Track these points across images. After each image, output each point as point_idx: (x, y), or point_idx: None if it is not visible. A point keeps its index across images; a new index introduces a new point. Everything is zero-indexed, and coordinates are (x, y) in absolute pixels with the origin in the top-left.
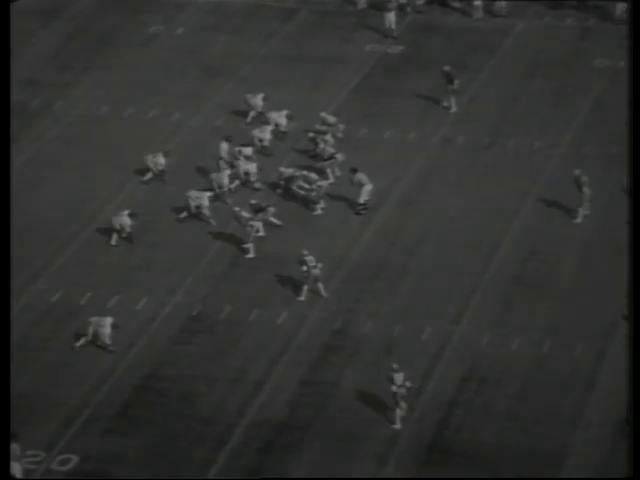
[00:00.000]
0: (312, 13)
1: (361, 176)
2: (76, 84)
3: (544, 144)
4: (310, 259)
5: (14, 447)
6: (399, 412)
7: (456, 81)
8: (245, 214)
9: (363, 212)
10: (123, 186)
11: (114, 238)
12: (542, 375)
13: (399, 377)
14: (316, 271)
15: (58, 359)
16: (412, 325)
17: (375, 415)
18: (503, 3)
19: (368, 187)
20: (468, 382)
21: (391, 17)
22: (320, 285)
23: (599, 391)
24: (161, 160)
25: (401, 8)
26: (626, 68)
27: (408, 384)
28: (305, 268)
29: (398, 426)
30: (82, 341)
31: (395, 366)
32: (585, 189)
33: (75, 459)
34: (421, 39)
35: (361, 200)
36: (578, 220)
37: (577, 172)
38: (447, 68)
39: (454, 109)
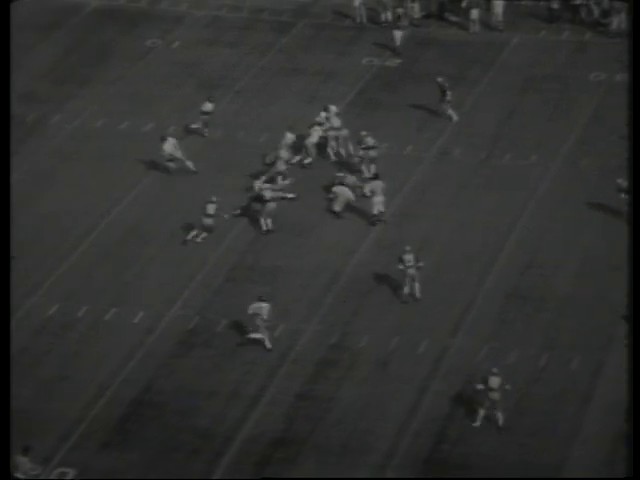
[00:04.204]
0: (308, 27)
1: (376, 185)
2: (73, 98)
3: (540, 157)
4: (408, 258)
5: (24, 460)
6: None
7: (449, 92)
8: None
9: (378, 222)
10: (120, 200)
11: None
12: (539, 389)
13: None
14: (412, 271)
15: (55, 373)
16: (409, 339)
17: (372, 428)
18: (500, 17)
19: (378, 198)
20: (464, 396)
21: (399, 35)
22: (417, 286)
23: (596, 405)
24: (208, 106)
25: (398, 21)
26: (626, 66)
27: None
28: (401, 267)
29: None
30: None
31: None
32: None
33: (72, 473)
34: (418, 52)
35: (374, 211)
36: None
37: (619, 181)
38: (440, 79)
39: (455, 118)
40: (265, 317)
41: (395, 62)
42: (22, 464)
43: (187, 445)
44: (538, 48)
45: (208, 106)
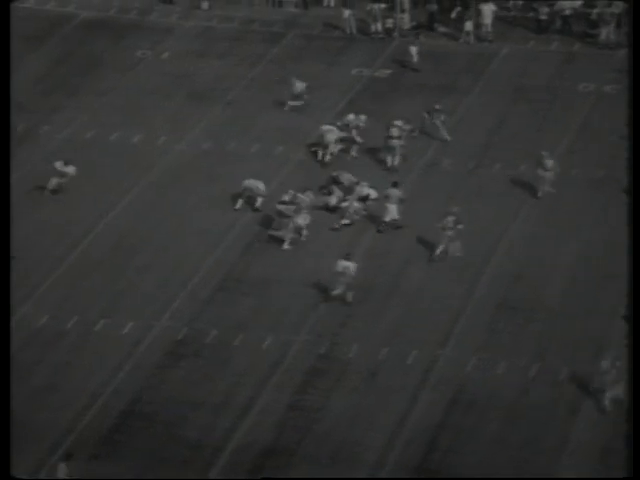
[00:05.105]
0: (298, 37)
1: (392, 193)
2: (62, 108)
3: (530, 167)
4: (449, 220)
5: (62, 466)
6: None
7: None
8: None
9: (399, 227)
10: (110, 210)
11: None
12: (528, 399)
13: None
14: (449, 232)
15: (44, 383)
16: (398, 349)
17: (361, 439)
18: (489, 27)
19: (391, 206)
20: (454, 406)
21: (414, 50)
22: (455, 245)
23: (585, 415)
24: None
25: (388, 32)
26: (624, 71)
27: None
28: (440, 224)
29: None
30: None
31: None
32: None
33: None
34: (408, 63)
35: (395, 216)
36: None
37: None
38: (438, 107)
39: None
40: (352, 275)
41: (385, 72)
42: (60, 469)
43: (177, 456)
44: (527, 58)
45: (300, 86)
